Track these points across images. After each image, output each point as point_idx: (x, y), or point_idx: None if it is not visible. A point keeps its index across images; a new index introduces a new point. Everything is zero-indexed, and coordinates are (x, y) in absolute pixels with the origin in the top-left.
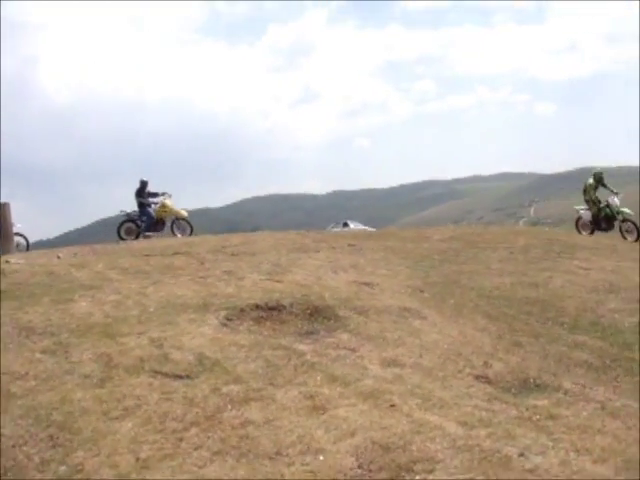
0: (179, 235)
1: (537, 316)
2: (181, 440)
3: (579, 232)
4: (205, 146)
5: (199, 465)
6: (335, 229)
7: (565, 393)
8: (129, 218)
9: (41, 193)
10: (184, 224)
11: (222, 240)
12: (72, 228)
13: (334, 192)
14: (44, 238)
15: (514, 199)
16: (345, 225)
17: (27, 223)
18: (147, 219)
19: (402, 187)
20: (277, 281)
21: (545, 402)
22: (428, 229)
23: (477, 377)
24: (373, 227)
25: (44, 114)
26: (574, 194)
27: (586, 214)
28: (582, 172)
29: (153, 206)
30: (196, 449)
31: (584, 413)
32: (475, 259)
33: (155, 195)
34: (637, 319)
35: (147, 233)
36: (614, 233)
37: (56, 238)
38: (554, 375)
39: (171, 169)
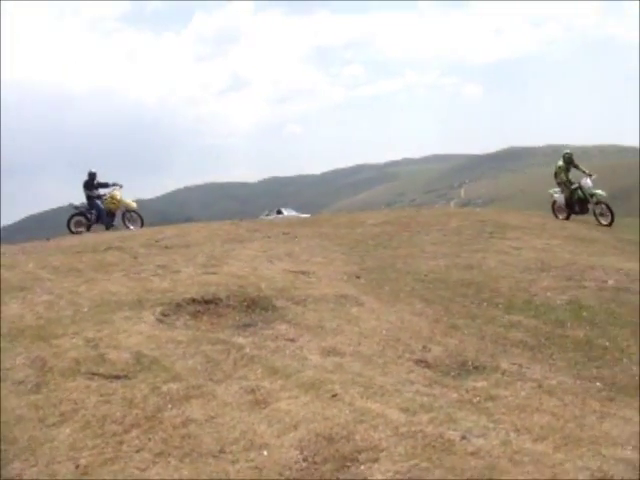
0: (131, 227)
1: (472, 297)
2: (122, 443)
3: (556, 217)
4: (135, 136)
5: (141, 468)
6: (269, 217)
7: (503, 373)
8: (78, 211)
9: None
10: (135, 216)
11: (155, 233)
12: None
13: (267, 179)
14: None
15: (445, 180)
16: (279, 212)
17: None
18: (96, 212)
19: (335, 172)
20: (213, 273)
21: (484, 383)
22: (362, 214)
23: (417, 362)
24: (308, 213)
25: None
26: (502, 174)
27: (560, 197)
28: (510, 152)
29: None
30: (137, 452)
31: (522, 392)
32: (409, 242)
33: (105, 186)
34: (568, 296)
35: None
36: (590, 216)
37: None
38: (491, 356)
39: (100, 160)
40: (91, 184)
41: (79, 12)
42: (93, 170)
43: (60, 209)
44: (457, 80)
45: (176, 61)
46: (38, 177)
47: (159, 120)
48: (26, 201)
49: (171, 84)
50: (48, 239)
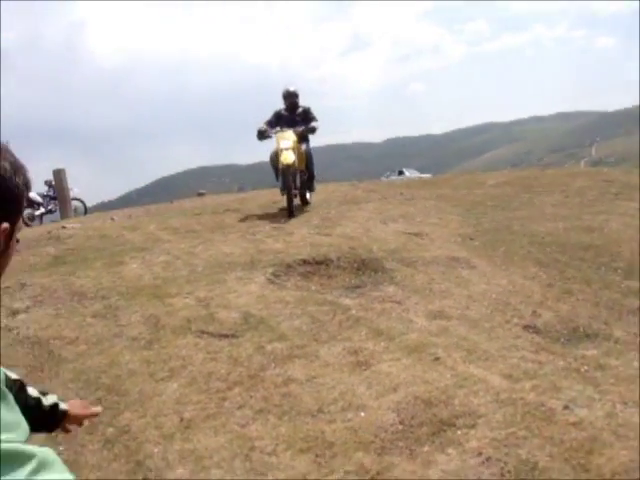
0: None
1: (590, 262)
2: (224, 400)
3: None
4: (257, 100)
5: (241, 424)
6: (390, 178)
7: (616, 342)
8: None
9: (98, 156)
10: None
11: (274, 195)
12: (131, 189)
13: (391, 139)
14: (105, 200)
15: (574, 139)
16: (400, 173)
17: (88, 186)
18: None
19: (459, 131)
20: (326, 235)
21: (594, 352)
22: (482, 174)
23: (525, 327)
24: (430, 174)
25: (93, 78)
26: (637, 131)
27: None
28: None
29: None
30: (239, 408)
31: (635, 363)
32: (529, 204)
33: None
34: None
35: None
36: None
37: (117, 199)
38: (605, 323)
39: (224, 124)
40: (281, 116)
41: None
42: (292, 89)
43: (187, 172)
44: (588, 32)
45: (296, 23)
46: (166, 142)
47: (280, 83)
48: (155, 165)
49: (292, 46)
50: (172, 201)
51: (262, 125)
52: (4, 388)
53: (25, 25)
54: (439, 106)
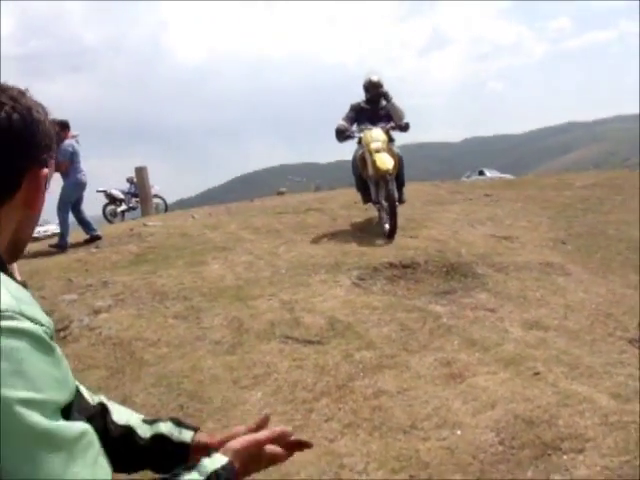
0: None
1: None
2: (311, 411)
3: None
4: (333, 99)
5: (330, 438)
6: (470, 178)
7: None
8: None
9: (178, 153)
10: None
11: (354, 194)
12: (211, 186)
13: (470, 139)
14: (185, 197)
15: None
16: (481, 173)
17: (167, 183)
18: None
19: (540, 131)
20: (411, 237)
21: None
22: (569, 175)
23: (630, 341)
24: (511, 174)
25: (174, 77)
26: None
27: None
28: None
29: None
30: (327, 421)
31: None
32: (622, 207)
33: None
34: None
35: None
36: None
37: (196, 196)
38: None
39: (303, 123)
40: (362, 110)
41: None
42: (375, 78)
43: (265, 170)
44: None
45: (375, 21)
46: (245, 140)
47: (357, 81)
48: (233, 162)
49: (370, 45)
50: (252, 200)
51: (340, 122)
52: (49, 340)
53: (108, 26)
54: (519, 105)
